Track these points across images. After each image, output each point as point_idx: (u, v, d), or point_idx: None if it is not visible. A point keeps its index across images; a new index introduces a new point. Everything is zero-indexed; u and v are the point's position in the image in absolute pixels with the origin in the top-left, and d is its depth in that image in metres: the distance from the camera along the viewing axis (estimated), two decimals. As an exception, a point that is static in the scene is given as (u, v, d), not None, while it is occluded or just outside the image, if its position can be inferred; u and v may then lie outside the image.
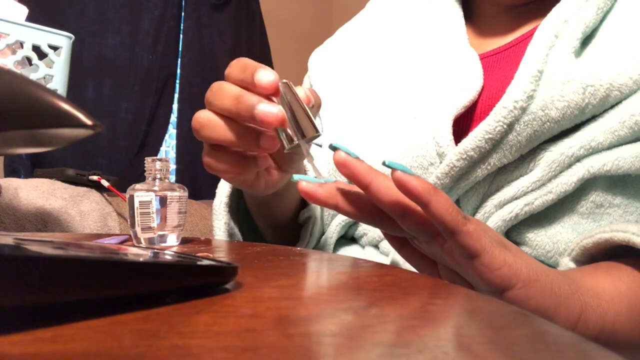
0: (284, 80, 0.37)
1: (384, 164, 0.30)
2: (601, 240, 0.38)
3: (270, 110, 0.35)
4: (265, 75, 0.35)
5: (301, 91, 0.37)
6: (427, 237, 0.32)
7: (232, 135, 0.38)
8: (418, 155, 0.47)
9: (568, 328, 0.32)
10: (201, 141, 0.41)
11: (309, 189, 0.32)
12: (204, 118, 0.38)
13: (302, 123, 0.36)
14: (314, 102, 0.39)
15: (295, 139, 0.36)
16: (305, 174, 0.49)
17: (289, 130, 0.36)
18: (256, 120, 0.35)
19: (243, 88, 0.37)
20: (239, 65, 0.37)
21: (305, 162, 0.37)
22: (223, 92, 0.37)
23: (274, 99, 0.36)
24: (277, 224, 0.56)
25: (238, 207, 0.58)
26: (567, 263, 0.41)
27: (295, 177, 0.33)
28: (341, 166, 0.31)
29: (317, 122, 0.36)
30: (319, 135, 0.37)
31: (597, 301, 0.34)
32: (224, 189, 0.55)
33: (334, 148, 0.32)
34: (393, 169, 0.29)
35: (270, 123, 0.35)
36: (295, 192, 0.53)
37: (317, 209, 0.55)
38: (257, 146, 0.38)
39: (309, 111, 0.36)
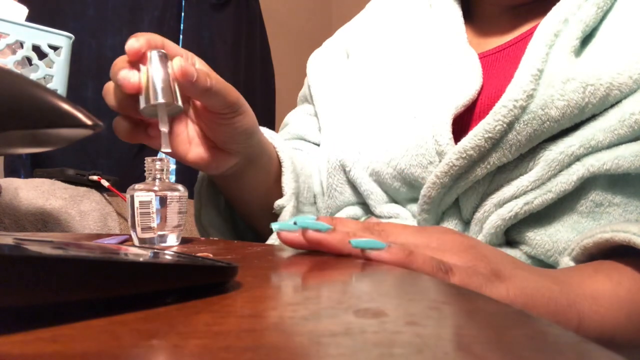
0: (162, 51, 0.41)
1: (351, 242, 0.31)
2: (601, 240, 0.38)
3: (125, 75, 0.41)
4: (130, 43, 0.41)
5: (176, 61, 0.41)
6: None
7: (119, 103, 0.44)
8: (417, 154, 0.47)
9: None
10: None
11: (290, 238, 0.33)
12: (105, 86, 0.44)
13: (154, 90, 0.40)
14: (195, 80, 0.41)
15: (144, 102, 0.40)
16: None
17: (147, 97, 0.41)
18: (118, 84, 0.41)
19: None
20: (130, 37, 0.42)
21: (162, 129, 0.42)
22: (113, 64, 0.42)
23: (142, 66, 0.41)
24: (254, 214, 0.58)
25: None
26: (567, 262, 0.41)
27: (273, 226, 0.34)
28: (315, 246, 0.32)
29: (176, 93, 0.41)
30: (173, 105, 0.41)
31: (596, 308, 0.34)
32: (202, 175, 0.60)
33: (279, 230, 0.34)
34: (362, 250, 0.30)
35: (124, 87, 0.41)
36: (257, 179, 0.55)
37: (292, 199, 0.55)
38: (137, 112, 0.43)
39: (173, 82, 0.41)
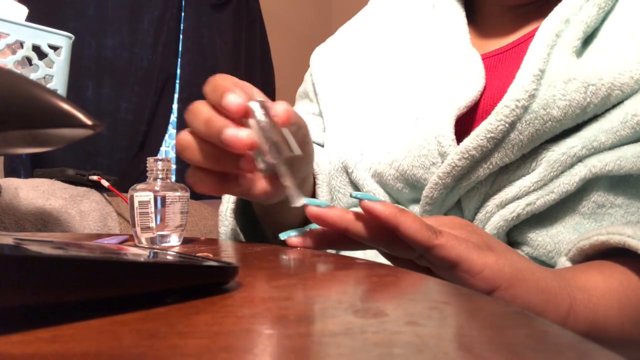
0: (259, 99, 0.36)
1: (351, 196, 0.32)
2: (597, 243, 0.38)
3: (236, 134, 0.35)
4: (232, 99, 0.35)
5: (280, 107, 0.36)
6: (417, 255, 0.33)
7: (211, 158, 0.38)
8: (420, 155, 0.47)
9: (558, 324, 0.32)
10: None
11: (319, 212, 0.34)
12: (184, 140, 0.38)
13: (276, 144, 0.35)
14: (295, 121, 0.38)
15: (270, 160, 0.35)
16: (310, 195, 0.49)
17: (264, 152, 0.35)
18: (224, 144, 0.35)
19: (215, 109, 0.36)
20: (212, 85, 0.37)
21: (287, 183, 0.37)
22: (197, 113, 0.37)
23: (248, 120, 0.36)
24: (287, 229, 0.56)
25: (244, 210, 0.57)
26: (564, 262, 0.41)
27: (305, 200, 0.34)
28: (316, 219, 0.34)
29: (292, 142, 0.36)
30: (295, 155, 0.36)
31: (588, 297, 0.34)
32: (230, 196, 0.55)
33: (304, 205, 0.34)
34: (360, 200, 0.31)
35: (237, 147, 0.35)
36: (305, 195, 0.53)
37: None
38: (237, 167, 0.38)
39: (283, 131, 0.35)
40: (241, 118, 0.36)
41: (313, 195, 0.55)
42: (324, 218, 0.34)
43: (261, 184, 0.42)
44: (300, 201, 0.36)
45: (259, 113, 0.35)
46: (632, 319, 0.36)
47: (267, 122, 0.35)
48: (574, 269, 0.38)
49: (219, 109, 0.36)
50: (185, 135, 0.38)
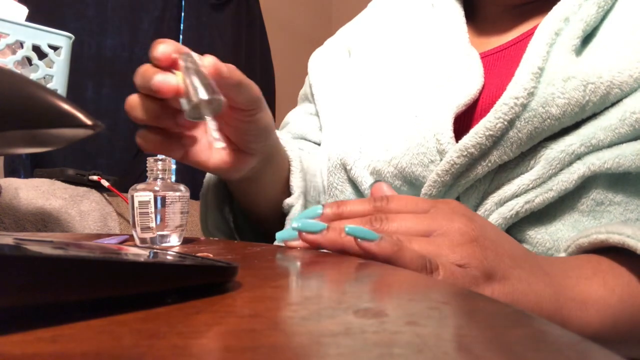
0: (186, 51, 0.40)
1: (293, 228, 0.34)
2: (597, 241, 0.38)
3: (163, 79, 0.38)
4: (160, 48, 0.39)
5: (208, 59, 0.39)
6: None
7: (152, 114, 0.42)
8: (418, 153, 0.47)
9: None
10: None
11: (314, 240, 0.34)
12: (130, 100, 0.42)
13: (196, 87, 0.38)
14: (228, 74, 0.41)
15: (192, 100, 0.38)
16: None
17: (189, 97, 0.38)
18: (154, 91, 0.39)
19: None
20: (153, 45, 0.40)
21: (210, 127, 0.40)
22: (137, 71, 0.40)
23: (175, 71, 0.39)
24: (263, 215, 0.57)
25: (232, 199, 0.60)
26: None
27: (299, 226, 0.34)
28: (312, 245, 0.34)
29: (216, 89, 0.39)
30: (213, 100, 0.39)
31: (582, 314, 0.35)
32: (209, 178, 0.59)
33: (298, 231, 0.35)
34: (355, 239, 0.31)
35: (164, 91, 0.38)
36: (272, 179, 0.55)
37: (301, 198, 0.55)
38: (176, 123, 0.41)
39: (208, 78, 0.39)
40: (170, 67, 0.40)
41: (287, 183, 0.56)
42: (319, 245, 0.34)
43: (219, 155, 0.46)
44: (220, 144, 0.40)
45: (191, 61, 0.39)
46: (622, 337, 0.37)
47: (193, 67, 0.39)
48: (578, 274, 0.37)
49: (153, 61, 0.40)
50: (132, 96, 0.42)
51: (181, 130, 0.45)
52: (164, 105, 0.42)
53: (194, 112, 0.39)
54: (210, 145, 0.46)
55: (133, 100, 0.42)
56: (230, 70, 0.41)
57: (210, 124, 0.40)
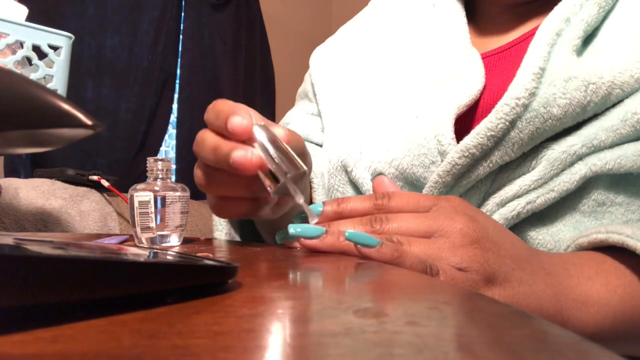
0: (260, 123, 0.36)
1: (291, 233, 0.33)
2: (597, 241, 0.38)
3: (245, 155, 0.34)
4: (237, 122, 0.35)
5: (279, 131, 0.36)
6: None
7: (232, 188, 0.38)
8: (420, 154, 0.47)
9: None
10: None
11: (313, 245, 0.34)
12: (200, 176, 0.39)
13: (283, 162, 0.35)
14: (294, 140, 0.39)
15: (280, 179, 0.35)
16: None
17: (272, 172, 0.35)
18: (234, 169, 0.35)
19: (220, 136, 0.36)
20: (214, 112, 0.37)
21: (300, 202, 0.37)
22: (203, 142, 0.37)
23: (253, 143, 0.36)
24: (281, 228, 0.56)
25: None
26: None
27: (297, 231, 0.34)
28: (312, 250, 0.34)
29: (297, 159, 0.36)
30: (303, 172, 0.36)
31: (582, 315, 0.35)
32: None
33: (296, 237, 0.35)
34: (355, 245, 0.31)
35: (246, 169, 0.35)
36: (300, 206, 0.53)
37: None
38: (250, 192, 0.38)
39: (289, 149, 0.36)
40: (246, 141, 0.36)
41: (310, 199, 0.55)
42: (319, 249, 0.34)
43: (269, 209, 0.42)
44: (315, 219, 0.37)
45: (263, 134, 0.35)
46: (622, 336, 0.37)
47: (273, 142, 0.35)
48: (580, 273, 0.37)
49: (224, 134, 0.36)
50: (198, 169, 0.39)
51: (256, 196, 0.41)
52: (238, 177, 0.37)
53: (279, 190, 0.36)
54: (268, 203, 0.42)
55: (202, 175, 0.39)
56: (295, 134, 0.39)
57: (300, 199, 0.37)
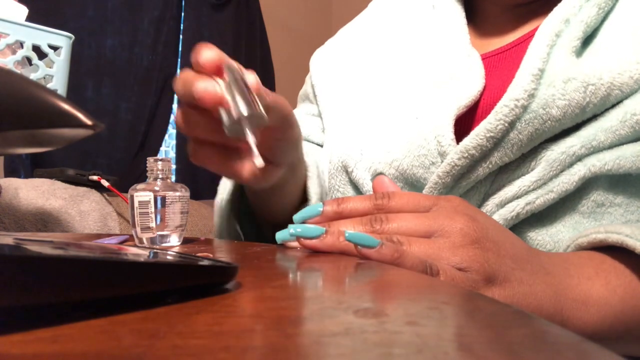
0: (231, 62, 0.37)
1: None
2: (596, 241, 0.38)
3: (205, 87, 0.35)
4: (205, 54, 0.36)
5: (251, 77, 0.37)
6: None
7: (205, 130, 0.39)
8: (419, 155, 0.47)
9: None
10: None
11: (312, 245, 0.34)
12: (179, 115, 0.40)
13: (241, 101, 0.36)
14: (271, 95, 0.39)
15: (234, 116, 0.36)
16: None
17: (230, 110, 0.36)
18: (196, 99, 0.36)
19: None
20: (194, 51, 0.38)
21: (250, 143, 0.37)
22: (178, 77, 0.38)
23: (220, 80, 0.37)
24: (278, 221, 0.57)
25: (240, 205, 0.58)
26: None
27: (297, 232, 0.34)
28: (312, 249, 0.34)
29: (260, 105, 0.36)
30: (259, 115, 0.36)
31: (581, 315, 0.35)
32: (225, 186, 0.56)
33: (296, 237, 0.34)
34: (355, 245, 0.31)
35: (205, 100, 0.35)
36: (295, 188, 0.54)
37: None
38: (225, 138, 0.38)
39: (252, 92, 0.36)
40: (214, 75, 0.37)
41: (305, 186, 0.55)
42: (319, 250, 0.34)
43: (249, 166, 0.43)
44: (260, 162, 0.37)
45: (230, 72, 0.37)
46: (621, 336, 0.37)
47: (236, 81, 0.36)
48: (580, 273, 0.37)
49: (197, 68, 0.37)
50: (178, 110, 0.40)
51: (234, 144, 0.42)
52: (205, 115, 0.38)
53: (233, 127, 0.37)
54: (242, 157, 0.43)
55: (181, 115, 0.40)
56: (265, 91, 0.39)
57: (251, 140, 0.37)
